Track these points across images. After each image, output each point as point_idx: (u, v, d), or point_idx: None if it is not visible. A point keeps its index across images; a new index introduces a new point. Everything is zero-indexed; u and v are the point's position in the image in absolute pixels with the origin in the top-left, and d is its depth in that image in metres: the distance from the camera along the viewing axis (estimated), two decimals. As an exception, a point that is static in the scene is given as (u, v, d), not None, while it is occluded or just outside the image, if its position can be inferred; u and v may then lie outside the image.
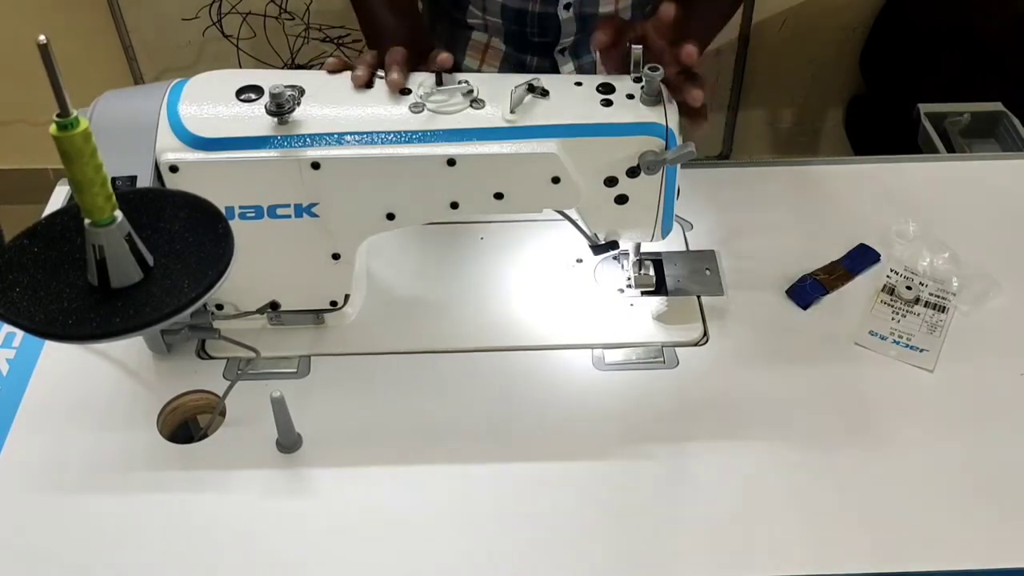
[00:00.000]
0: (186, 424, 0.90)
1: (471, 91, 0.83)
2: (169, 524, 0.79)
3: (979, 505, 0.80)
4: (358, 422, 0.86)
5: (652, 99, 0.82)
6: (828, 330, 0.94)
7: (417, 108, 0.82)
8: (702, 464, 0.83)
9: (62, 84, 0.56)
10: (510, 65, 1.17)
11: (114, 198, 0.61)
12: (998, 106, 1.44)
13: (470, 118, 0.82)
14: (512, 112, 0.82)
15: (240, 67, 2.25)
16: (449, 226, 1.05)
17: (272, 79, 0.83)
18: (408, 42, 0.87)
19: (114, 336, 0.61)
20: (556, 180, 0.82)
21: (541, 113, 0.82)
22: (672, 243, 0.99)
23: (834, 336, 0.94)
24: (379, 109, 0.83)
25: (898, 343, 0.93)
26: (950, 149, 1.43)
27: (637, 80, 0.84)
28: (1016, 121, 1.40)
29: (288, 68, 2.27)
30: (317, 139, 0.81)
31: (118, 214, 0.61)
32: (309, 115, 0.82)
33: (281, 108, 0.80)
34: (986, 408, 0.87)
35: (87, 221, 0.60)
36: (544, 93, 0.83)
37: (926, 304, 0.97)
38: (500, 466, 0.83)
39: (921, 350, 0.92)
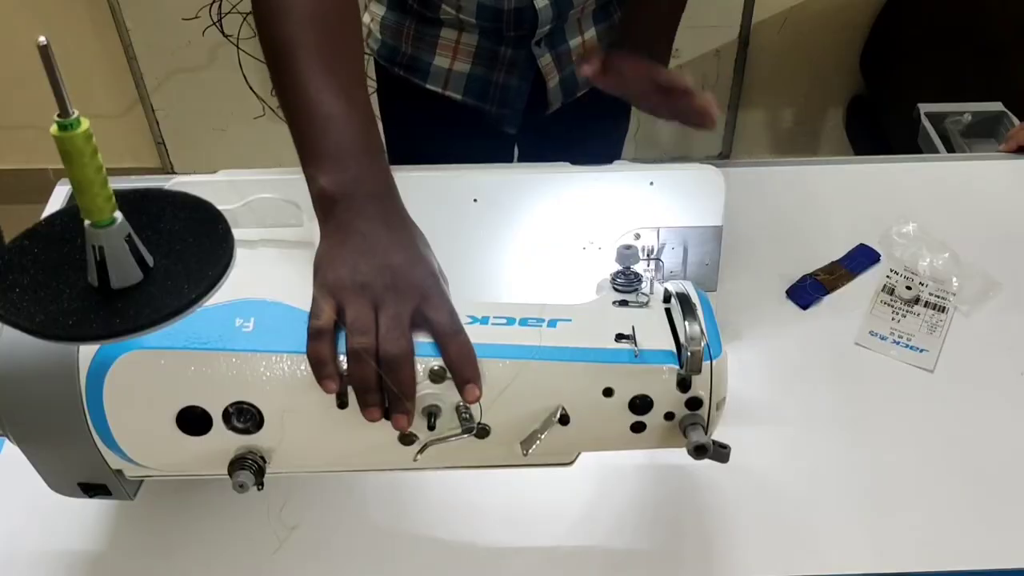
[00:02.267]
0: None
1: (471, 426, 0.67)
2: (170, 523, 0.79)
3: (979, 505, 0.80)
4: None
5: (694, 455, 0.68)
6: (828, 330, 0.94)
7: (409, 439, 0.68)
8: (700, 464, 0.83)
9: (62, 84, 0.56)
10: (483, 59, 1.15)
11: (114, 199, 0.61)
12: (998, 106, 1.44)
13: (475, 451, 0.69)
14: (525, 455, 0.68)
15: (240, 67, 2.25)
16: (448, 226, 1.04)
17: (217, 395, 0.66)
18: (356, 149, 0.73)
19: (115, 337, 0.61)
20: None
21: (560, 446, 0.70)
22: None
23: (834, 336, 0.94)
24: (360, 442, 0.68)
25: (898, 343, 0.93)
26: (950, 149, 1.43)
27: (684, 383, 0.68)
28: (1016, 121, 1.39)
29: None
30: (295, 476, 0.74)
31: (118, 215, 0.61)
32: (280, 460, 0.69)
33: (246, 487, 0.67)
34: (986, 408, 0.87)
35: (87, 222, 0.60)
36: (564, 420, 0.68)
37: (926, 304, 0.97)
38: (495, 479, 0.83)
39: (921, 350, 0.92)
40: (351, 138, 0.73)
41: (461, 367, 0.65)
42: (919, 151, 1.49)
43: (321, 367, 0.64)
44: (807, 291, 0.97)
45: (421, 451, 0.67)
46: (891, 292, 0.98)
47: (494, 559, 0.77)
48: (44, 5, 2.19)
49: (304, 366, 0.65)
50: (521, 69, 1.15)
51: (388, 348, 0.64)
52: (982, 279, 0.98)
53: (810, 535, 0.78)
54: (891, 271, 1.00)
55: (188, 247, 0.65)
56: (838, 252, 1.02)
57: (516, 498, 0.80)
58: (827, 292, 0.98)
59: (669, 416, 0.68)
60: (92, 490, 0.72)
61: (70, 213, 0.65)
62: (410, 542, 0.78)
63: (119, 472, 0.70)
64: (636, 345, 0.67)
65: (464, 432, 0.66)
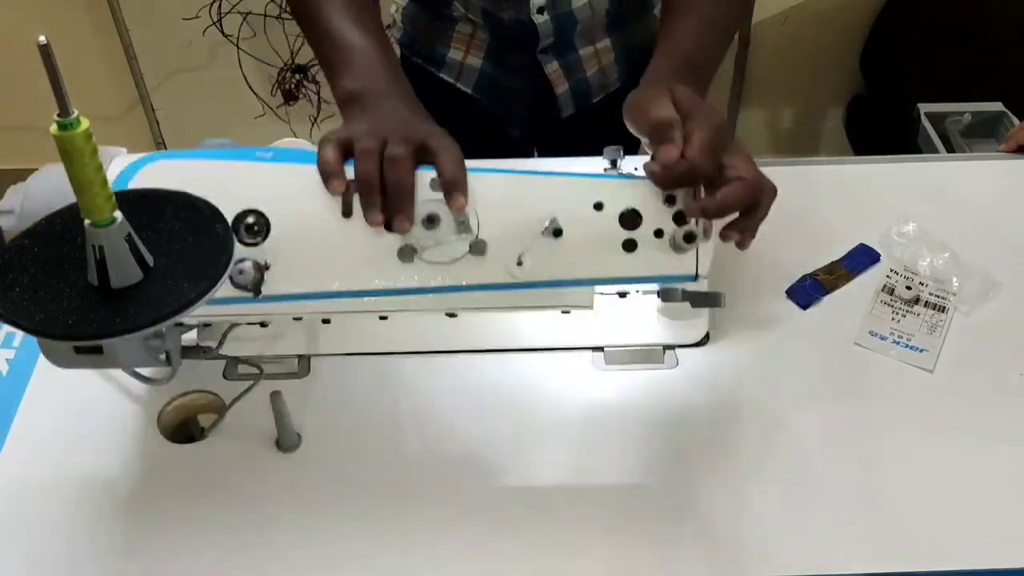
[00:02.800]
0: (186, 424, 0.90)
1: (468, 233, 0.70)
2: (168, 524, 0.79)
3: (979, 505, 0.80)
4: (358, 422, 0.86)
5: (684, 245, 0.71)
6: (828, 330, 0.94)
7: (407, 255, 0.71)
8: (702, 464, 0.83)
9: (62, 84, 0.56)
10: (493, 57, 1.15)
11: (114, 198, 0.61)
12: (998, 106, 1.44)
13: (469, 270, 0.72)
14: (519, 264, 0.71)
15: (240, 67, 2.26)
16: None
17: (230, 200, 0.70)
18: (378, 64, 0.80)
19: (114, 336, 0.61)
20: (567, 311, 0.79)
21: (552, 264, 0.72)
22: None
23: (834, 336, 0.94)
24: (363, 252, 0.71)
25: (898, 343, 0.93)
26: (950, 149, 1.43)
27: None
28: (1016, 121, 1.40)
29: (288, 68, 2.27)
30: (298, 297, 0.73)
31: (118, 214, 0.61)
32: (282, 273, 0.72)
33: (249, 288, 0.71)
34: (986, 408, 0.87)
35: (87, 221, 0.60)
36: (557, 233, 0.71)
37: (926, 304, 0.97)
38: (498, 465, 0.83)
39: (921, 350, 0.92)
40: (374, 58, 0.81)
41: (451, 176, 0.70)
42: (919, 151, 1.49)
43: (328, 167, 0.70)
44: (807, 291, 0.97)
45: (419, 253, 0.71)
46: (891, 292, 0.98)
47: (492, 559, 0.77)
48: (44, 5, 2.19)
49: (315, 175, 0.70)
50: (525, 74, 1.15)
51: (391, 151, 0.70)
52: (982, 279, 0.98)
53: (810, 534, 0.78)
54: (891, 271, 1.00)
55: (188, 247, 0.65)
56: (838, 252, 1.02)
57: (514, 498, 0.80)
58: (827, 292, 0.98)
59: (659, 233, 0.70)
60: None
61: (70, 213, 0.65)
62: (408, 542, 0.78)
63: None
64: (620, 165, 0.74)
65: (461, 233, 0.70)
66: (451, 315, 0.76)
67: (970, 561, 0.76)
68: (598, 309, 0.95)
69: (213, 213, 0.68)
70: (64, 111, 0.56)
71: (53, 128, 0.56)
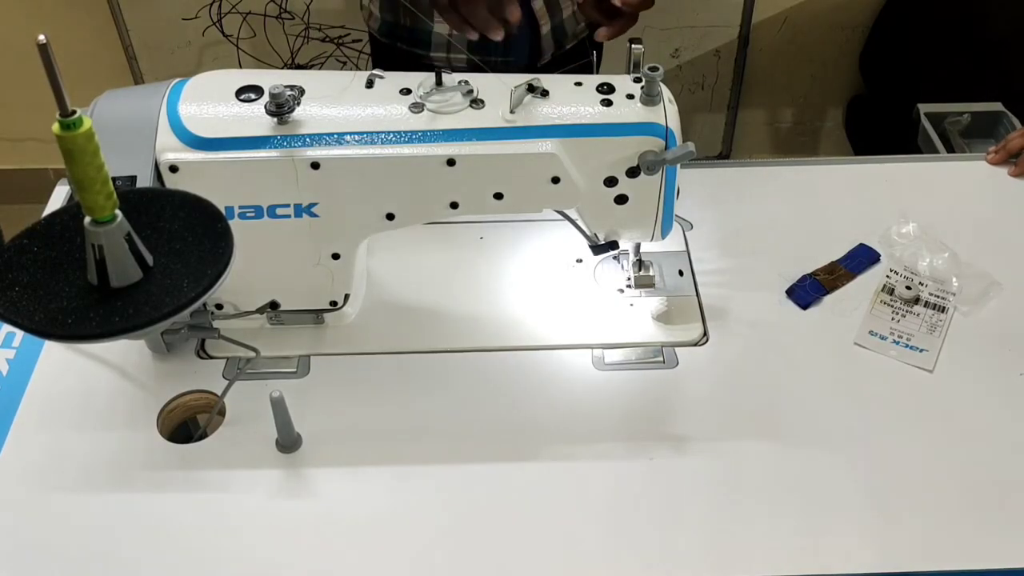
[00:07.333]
0: (186, 424, 0.90)
1: (471, 91, 0.83)
2: (168, 524, 0.79)
3: (979, 505, 0.80)
4: (357, 422, 0.86)
5: (652, 99, 0.82)
6: (828, 330, 0.94)
7: (417, 108, 0.82)
8: (701, 464, 0.83)
9: (62, 84, 0.56)
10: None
11: (115, 196, 0.61)
12: (998, 106, 1.44)
13: (470, 118, 0.82)
14: (512, 112, 0.82)
15: (240, 67, 2.25)
16: (449, 226, 1.05)
17: (272, 79, 0.83)
18: None
19: (114, 336, 0.61)
20: (556, 180, 0.83)
21: (541, 113, 0.82)
22: (671, 243, 0.99)
23: (834, 336, 0.94)
24: (379, 109, 0.83)
25: (898, 343, 0.93)
26: (950, 149, 1.43)
27: (637, 80, 0.84)
28: (1016, 121, 1.39)
29: (288, 68, 2.27)
30: (317, 139, 0.81)
31: (118, 213, 0.61)
32: (309, 115, 0.82)
33: (281, 108, 0.80)
34: (986, 408, 0.87)
35: (87, 219, 0.60)
36: (544, 93, 0.83)
37: (926, 304, 0.97)
38: (499, 466, 0.83)
39: (921, 350, 0.92)
40: None
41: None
42: (919, 151, 1.49)
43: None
44: (807, 291, 0.97)
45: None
46: (891, 292, 0.98)
47: (492, 557, 0.77)
48: (44, 5, 2.19)
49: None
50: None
51: None
52: (982, 279, 0.98)
53: (810, 535, 0.78)
54: (891, 271, 1.00)
55: (188, 246, 0.65)
56: (838, 252, 1.02)
57: (515, 497, 0.80)
58: (827, 292, 0.98)
59: (630, 96, 0.83)
60: None
61: (70, 212, 0.65)
62: (408, 541, 0.78)
63: None
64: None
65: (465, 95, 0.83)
66: (451, 163, 0.81)
67: (970, 561, 0.76)
68: (598, 309, 0.96)
69: (213, 212, 0.68)
70: (63, 109, 0.56)
71: (55, 127, 0.56)
